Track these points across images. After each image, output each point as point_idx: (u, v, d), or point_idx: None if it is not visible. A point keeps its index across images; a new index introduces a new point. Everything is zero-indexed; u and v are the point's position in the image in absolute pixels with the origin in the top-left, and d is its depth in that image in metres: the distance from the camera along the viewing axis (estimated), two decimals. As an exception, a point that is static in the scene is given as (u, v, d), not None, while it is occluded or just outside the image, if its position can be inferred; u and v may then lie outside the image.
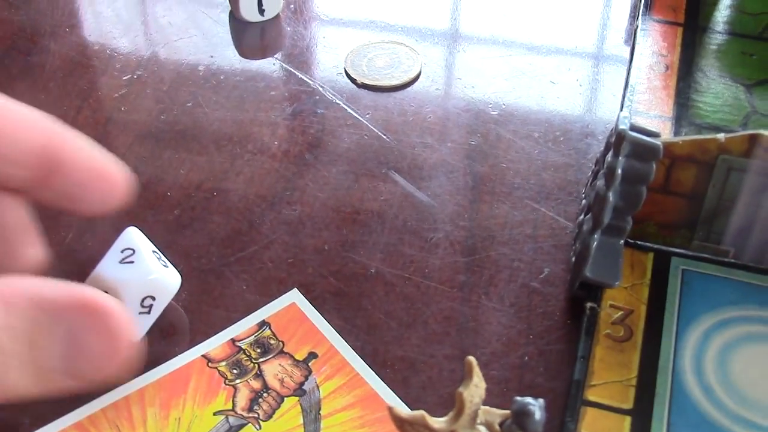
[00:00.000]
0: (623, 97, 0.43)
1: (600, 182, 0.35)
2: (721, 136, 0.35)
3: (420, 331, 0.35)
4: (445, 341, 0.34)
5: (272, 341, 0.34)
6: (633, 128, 0.35)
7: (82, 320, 0.30)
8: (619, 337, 0.34)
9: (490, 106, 0.44)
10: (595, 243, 0.35)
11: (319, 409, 0.32)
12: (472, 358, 0.26)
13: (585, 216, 0.36)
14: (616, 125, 0.35)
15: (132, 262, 0.32)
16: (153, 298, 0.33)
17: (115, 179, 0.33)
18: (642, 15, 0.48)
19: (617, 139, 0.34)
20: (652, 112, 0.43)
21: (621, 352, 0.33)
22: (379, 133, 0.43)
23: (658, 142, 0.34)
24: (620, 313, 0.34)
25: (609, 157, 0.35)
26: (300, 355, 0.33)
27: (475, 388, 0.26)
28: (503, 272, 0.37)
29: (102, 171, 0.33)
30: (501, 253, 0.37)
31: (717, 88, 0.44)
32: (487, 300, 0.36)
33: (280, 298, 0.35)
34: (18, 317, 0.28)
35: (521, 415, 0.26)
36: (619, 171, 0.34)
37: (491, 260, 0.37)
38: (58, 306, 0.29)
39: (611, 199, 0.34)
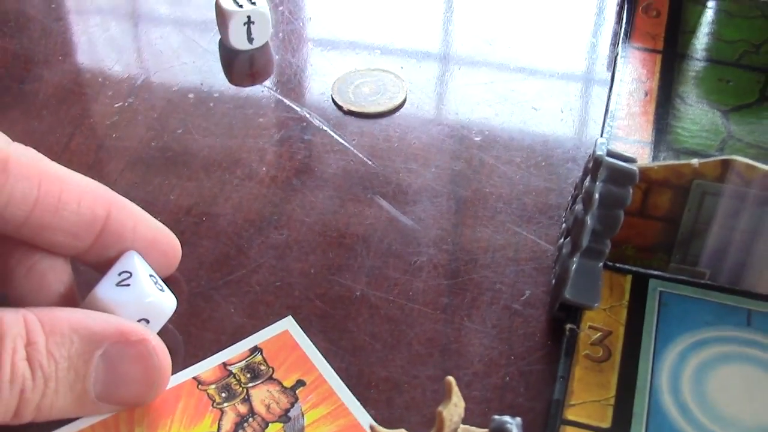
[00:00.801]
0: (603, 123, 0.44)
1: (578, 206, 0.36)
2: (695, 161, 0.36)
3: (404, 353, 0.35)
4: (428, 362, 0.35)
5: (263, 367, 0.35)
6: (610, 154, 0.36)
7: (121, 349, 0.31)
8: (597, 358, 0.35)
9: (474, 132, 0.45)
10: (575, 266, 0.36)
11: (302, 436, 0.32)
12: (451, 378, 0.27)
13: (565, 239, 0.37)
14: (594, 151, 0.36)
15: (128, 285, 0.33)
16: (148, 321, 0.33)
17: (167, 249, 0.35)
18: (622, 42, 0.49)
19: (594, 165, 0.35)
20: (631, 138, 0.44)
21: (600, 372, 0.34)
22: (365, 159, 0.44)
23: (634, 168, 0.35)
24: (599, 334, 0.35)
25: (587, 182, 0.36)
26: (288, 382, 0.34)
27: (455, 407, 0.27)
28: (485, 295, 0.37)
29: (155, 241, 0.35)
30: (483, 275, 0.38)
31: (695, 114, 0.45)
32: (470, 322, 0.36)
33: (273, 324, 0.36)
34: (59, 346, 0.30)
35: (499, 434, 0.26)
36: (597, 195, 0.35)
37: (474, 283, 0.38)
38: (98, 336, 0.31)
39: (589, 222, 0.35)
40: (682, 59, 0.49)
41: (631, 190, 0.35)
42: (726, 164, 0.35)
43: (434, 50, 0.51)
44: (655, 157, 0.43)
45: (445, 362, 0.35)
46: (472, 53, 0.50)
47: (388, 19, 0.53)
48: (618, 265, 0.38)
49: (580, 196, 0.36)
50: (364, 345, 0.36)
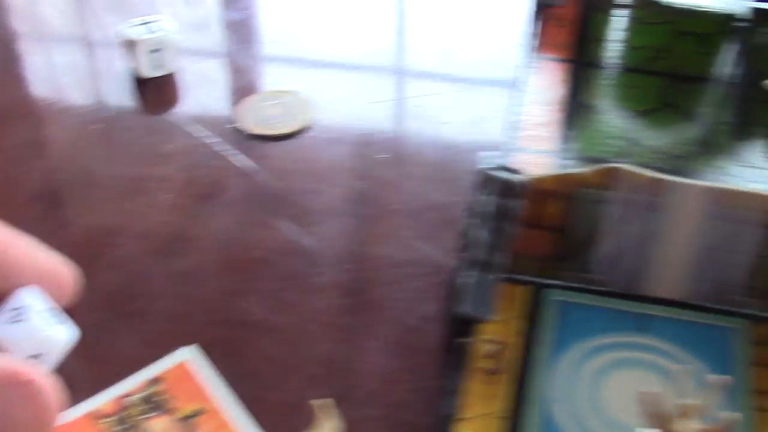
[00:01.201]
0: (505, 135, 0.45)
1: (471, 221, 0.36)
2: (581, 170, 0.36)
3: (301, 375, 0.35)
4: (325, 383, 0.35)
5: (161, 398, 0.34)
6: (496, 167, 0.36)
7: (10, 391, 0.31)
8: (491, 370, 0.35)
9: (379, 150, 0.45)
10: (469, 279, 0.36)
11: (197, 464, 0.32)
12: (318, 401, 0.27)
13: (461, 253, 0.37)
14: (481, 165, 0.36)
15: (20, 320, 0.33)
16: (44, 356, 0.33)
17: (62, 280, 0.35)
18: (531, 53, 0.50)
19: (482, 179, 0.36)
20: (537, 148, 0.44)
21: (492, 384, 0.34)
22: (270, 182, 0.44)
23: (520, 180, 0.35)
24: (493, 346, 0.35)
25: (477, 196, 0.36)
26: (186, 412, 0.34)
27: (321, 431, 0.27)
28: (384, 312, 0.38)
29: (49, 273, 0.35)
30: (382, 293, 0.38)
31: (602, 122, 0.46)
32: (368, 340, 0.36)
33: (173, 354, 0.36)
34: None
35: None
36: (486, 209, 0.35)
37: (373, 301, 0.38)
38: None
39: (481, 236, 0.35)
40: (591, 68, 0.49)
41: (519, 202, 0.35)
42: (611, 172, 0.35)
43: (341, 70, 0.51)
44: (559, 167, 0.43)
45: (341, 382, 0.35)
46: (381, 71, 0.50)
47: (293, 41, 0.53)
48: (514, 276, 0.38)
49: (473, 210, 0.36)
50: (262, 369, 0.36)
